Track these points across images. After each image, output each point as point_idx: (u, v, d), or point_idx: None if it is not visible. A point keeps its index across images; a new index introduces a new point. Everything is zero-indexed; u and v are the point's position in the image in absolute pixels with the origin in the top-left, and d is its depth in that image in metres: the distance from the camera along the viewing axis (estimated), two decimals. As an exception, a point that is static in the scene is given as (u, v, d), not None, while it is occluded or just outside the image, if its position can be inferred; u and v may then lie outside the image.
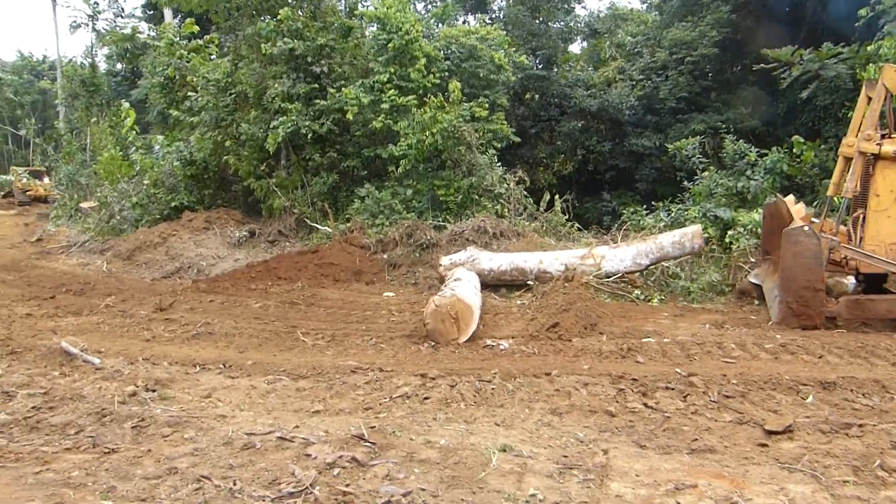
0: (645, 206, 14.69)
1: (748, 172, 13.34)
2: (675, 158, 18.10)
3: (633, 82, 19.83)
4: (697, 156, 14.63)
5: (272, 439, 4.04)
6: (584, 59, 21.77)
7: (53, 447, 4.01)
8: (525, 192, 14.81)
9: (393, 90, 14.56)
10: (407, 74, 14.77)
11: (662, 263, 10.59)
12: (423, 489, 3.26)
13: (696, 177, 14.51)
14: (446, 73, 15.44)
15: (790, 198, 9.46)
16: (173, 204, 17.34)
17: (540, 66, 18.44)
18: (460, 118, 14.03)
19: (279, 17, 14.93)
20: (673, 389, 5.00)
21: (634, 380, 5.19)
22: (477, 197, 14.19)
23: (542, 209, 14.71)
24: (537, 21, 20.13)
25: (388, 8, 14.64)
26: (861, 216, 8.02)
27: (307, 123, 14.79)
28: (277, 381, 5.65)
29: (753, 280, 9.63)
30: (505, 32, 16.87)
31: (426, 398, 4.92)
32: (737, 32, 18.31)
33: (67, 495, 3.28)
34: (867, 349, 6.35)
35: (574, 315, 7.92)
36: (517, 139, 16.60)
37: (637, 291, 10.14)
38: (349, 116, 14.41)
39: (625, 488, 3.33)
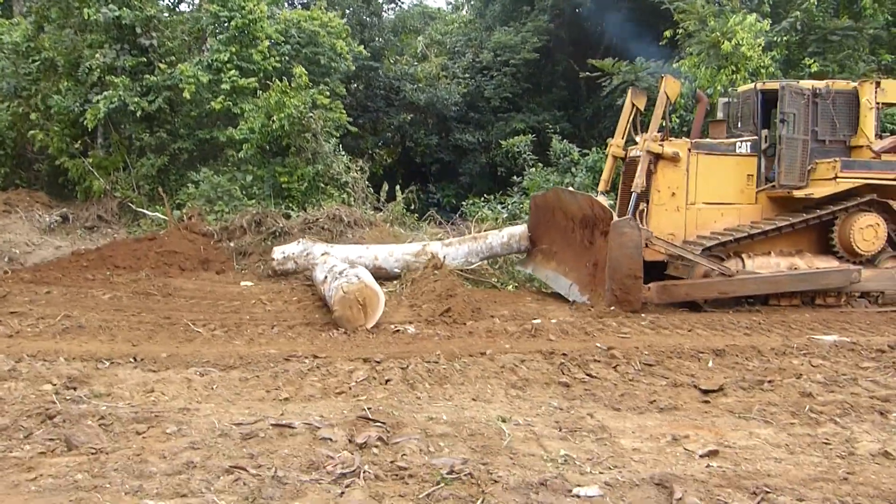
0: (480, 199, 15.58)
1: (573, 169, 14.80)
2: (497, 154, 19.47)
3: (458, 80, 20.80)
4: (527, 153, 15.87)
5: (267, 427, 3.96)
6: (408, 53, 22.31)
7: (21, 452, 3.58)
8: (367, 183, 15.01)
9: (234, 70, 13.91)
10: (248, 55, 14.19)
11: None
12: (467, 459, 3.48)
13: (525, 172, 15.76)
14: (286, 58, 15.06)
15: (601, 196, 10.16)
16: (-42, 183, 14.93)
17: (369, 58, 18.62)
18: (306, 104, 13.82)
19: (103, -20, 13.52)
20: (600, 362, 5.65)
21: (564, 354, 5.76)
22: (323, 185, 14.09)
23: (382, 199, 15.02)
24: (369, 11, 20.27)
25: (228, -17, 13.94)
26: (644, 210, 8.99)
27: (136, 100, 13.59)
28: (207, 372, 5.39)
29: (521, 268, 10.71)
30: (344, 21, 16.83)
31: (388, 380, 5.05)
32: (552, 41, 20.04)
33: (96, 499, 3.01)
34: (718, 323, 7.60)
35: (462, 300, 8.35)
36: (354, 129, 16.69)
37: (494, 279, 10.87)
38: (186, 95, 13.53)
39: (634, 443, 3.82)
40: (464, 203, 15.08)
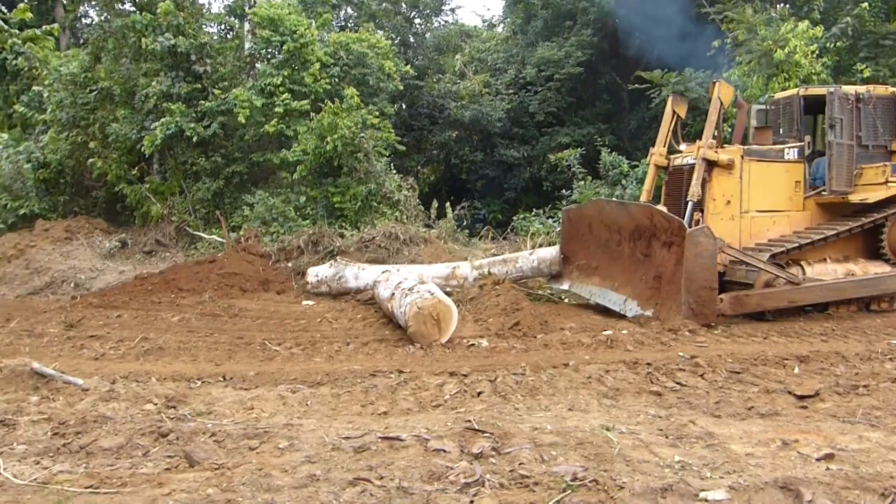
0: (530, 213, 15.61)
1: (622, 181, 14.75)
2: (542, 169, 19.49)
3: (502, 96, 20.93)
4: (577, 165, 15.86)
5: (376, 440, 4.00)
6: (449, 72, 22.55)
7: (146, 469, 3.68)
8: (418, 200, 15.15)
9: (286, 94, 14.21)
10: (300, 79, 14.49)
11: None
12: (585, 467, 3.47)
13: (574, 186, 15.75)
14: (336, 79, 15.34)
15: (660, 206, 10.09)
16: (21, 212, 15.43)
17: (414, 77, 18.88)
18: (358, 125, 14.04)
19: (158, 10, 13.96)
20: (685, 370, 5.60)
21: (648, 364, 5.73)
22: (376, 204, 14.26)
23: (433, 217, 15.14)
24: (412, 31, 20.58)
25: (280, 9, 14.27)
26: (699, 219, 8.84)
27: (192, 125, 13.96)
28: (297, 389, 5.48)
29: (556, 285, 10.23)
30: (390, 42, 17.11)
31: (480, 393, 5.08)
32: (594, 54, 20.09)
33: (236, 512, 3.08)
34: (791, 331, 7.49)
35: (529, 314, 8.36)
36: (402, 148, 16.89)
37: (547, 292, 10.82)
38: (241, 119, 13.85)
39: (745, 448, 3.77)
40: (514, 218, 15.12)
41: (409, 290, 7.96)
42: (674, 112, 9.91)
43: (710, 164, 8.77)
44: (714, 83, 9.26)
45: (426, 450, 3.84)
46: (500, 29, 32.26)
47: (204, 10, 15.15)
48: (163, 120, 13.89)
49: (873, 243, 9.17)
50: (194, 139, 14.11)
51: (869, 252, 9.22)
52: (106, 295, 11.20)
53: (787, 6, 15.14)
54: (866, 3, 13.68)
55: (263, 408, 4.94)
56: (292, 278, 12.28)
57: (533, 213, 15.46)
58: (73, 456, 3.97)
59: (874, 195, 8.91)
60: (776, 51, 12.58)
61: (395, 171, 14.97)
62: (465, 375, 5.56)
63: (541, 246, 12.67)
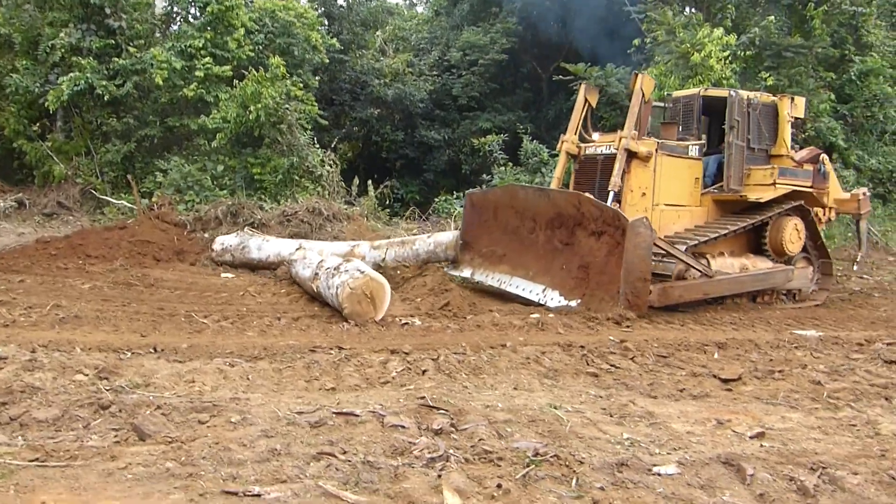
0: (452, 195, 15.77)
1: (542, 169, 15.13)
2: (462, 152, 19.68)
3: (425, 77, 20.88)
4: (498, 151, 16.12)
5: (330, 416, 4.00)
6: (371, 48, 22.21)
7: (94, 441, 3.53)
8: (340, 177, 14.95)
9: (208, 57, 13.61)
10: (223, 43, 13.91)
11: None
12: (544, 443, 3.62)
13: (494, 171, 16.01)
14: (259, 47, 14.83)
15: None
16: None
17: (339, 51, 18.49)
18: (282, 95, 13.67)
19: (70, -44, 13.00)
20: (616, 354, 5.89)
21: (582, 347, 5.97)
22: (297, 178, 13.97)
23: (354, 194, 15.01)
24: (339, 4, 20.14)
25: (204, -32, 13.62)
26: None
27: (103, 83, 13.12)
28: (236, 363, 5.35)
29: (454, 272, 9.68)
30: (316, 13, 16.67)
31: (425, 371, 5.14)
32: (518, 42, 20.38)
33: (200, 485, 3.02)
34: (704, 319, 8.00)
35: (458, 295, 8.51)
36: (325, 122, 16.57)
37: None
38: (158, 80, 13.16)
39: (685, 427, 4.05)
40: (436, 200, 15.21)
41: (335, 269, 7.79)
42: (586, 100, 9.86)
43: (630, 156, 8.82)
44: (636, 74, 9.23)
45: (383, 425, 3.88)
46: (420, 9, 32.16)
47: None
48: (71, 75, 12.97)
49: (756, 240, 9.71)
50: (105, 98, 13.28)
51: (752, 248, 9.74)
52: (3, 257, 10.46)
53: (701, 13, 15.94)
54: (772, 17, 14.60)
55: (204, 381, 4.80)
56: (208, 249, 11.90)
57: (455, 196, 15.60)
58: (5, 428, 3.74)
59: (765, 195, 9.44)
60: (693, 54, 13.23)
61: (317, 146, 14.69)
62: (406, 353, 5.61)
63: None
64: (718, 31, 13.67)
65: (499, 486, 3.08)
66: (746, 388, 5.02)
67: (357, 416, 4.02)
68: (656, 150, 9.05)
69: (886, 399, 4.87)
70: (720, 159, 9.83)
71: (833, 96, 16.89)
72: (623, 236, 7.40)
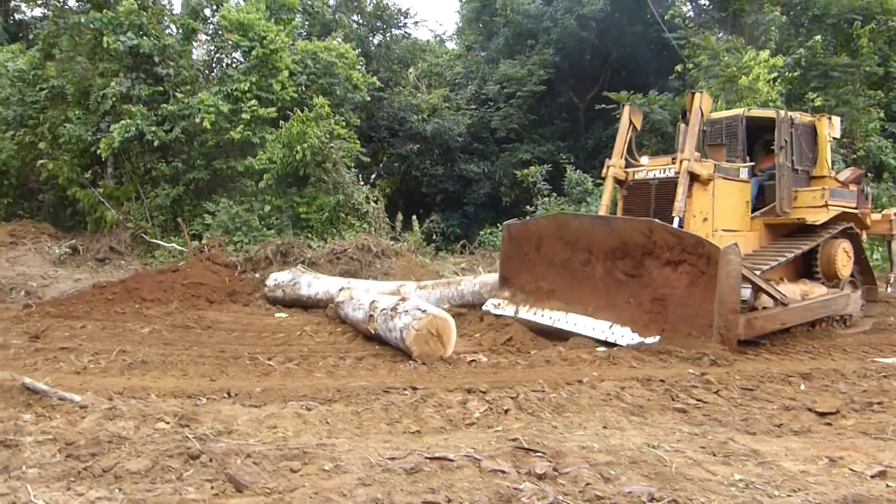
0: (496, 227, 15.62)
1: (587, 199, 14.98)
2: (501, 184, 19.66)
3: (462, 111, 21.02)
4: (541, 182, 16.04)
5: (423, 461, 3.87)
6: (402, 84, 22.45)
7: (192, 494, 3.44)
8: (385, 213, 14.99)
9: (253, 100, 13.85)
10: (268, 85, 14.15)
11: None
12: (652, 490, 3.44)
13: (539, 202, 15.90)
14: (303, 88, 15.06)
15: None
16: (-39, 215, 14.50)
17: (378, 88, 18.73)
18: (326, 135, 13.82)
19: (121, 8, 13.38)
20: (699, 388, 5.66)
21: (661, 381, 5.76)
22: (343, 215, 14.03)
23: (398, 229, 15.01)
24: (376, 43, 20.47)
25: (249, 13, 13.91)
26: None
27: (153, 129, 13.41)
28: (311, 406, 5.26)
29: (498, 312, 9.01)
30: (357, 52, 16.94)
31: (506, 409, 4.99)
32: (555, 73, 20.45)
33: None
34: (777, 349, 7.70)
35: (519, 330, 8.35)
36: (367, 159, 16.71)
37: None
38: (206, 124, 13.39)
39: (796, 465, 3.82)
40: (481, 233, 15.15)
41: (392, 310, 7.69)
42: (630, 122, 9.46)
43: (692, 179, 8.42)
44: (692, 93, 8.86)
45: (481, 470, 3.72)
46: (451, 45, 32.54)
47: (166, 11, 14.61)
48: (122, 122, 13.29)
49: (806, 264, 9.30)
50: (155, 143, 13.55)
51: (803, 273, 9.31)
52: (62, 304, 10.63)
53: (742, 37, 15.83)
54: (819, 37, 14.42)
55: (286, 426, 4.71)
56: (260, 289, 11.96)
57: (500, 228, 15.47)
58: (99, 480, 3.67)
59: (819, 217, 9.09)
60: (741, 77, 13.08)
61: (362, 183, 14.78)
62: (483, 392, 5.46)
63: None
64: (764, 54, 13.52)
65: (622, 535, 2.91)
66: (847, 422, 4.76)
67: (452, 460, 3.87)
68: (714, 173, 8.67)
69: None
70: (760, 181, 9.54)
71: (883, 114, 16.54)
72: (708, 264, 6.93)
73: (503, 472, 3.68)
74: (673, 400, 5.33)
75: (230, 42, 14.01)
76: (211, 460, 3.89)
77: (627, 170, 9.30)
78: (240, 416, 4.99)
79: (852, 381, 6.03)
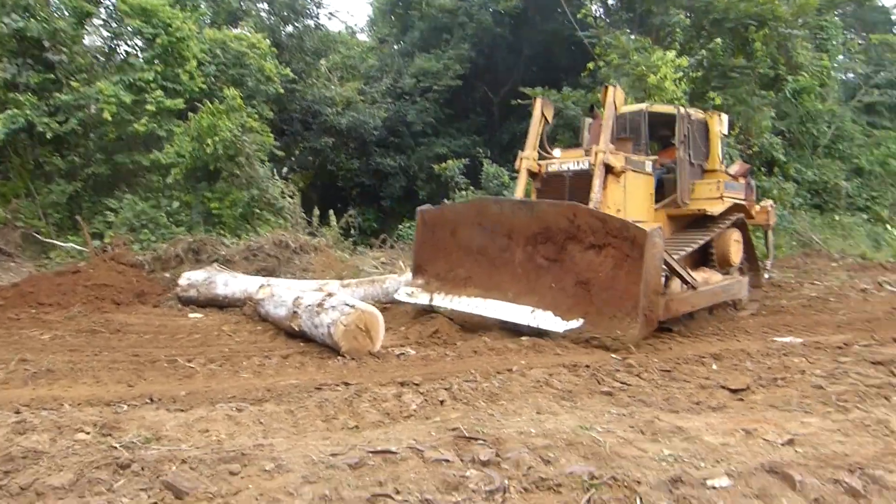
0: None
1: (504, 192, 15.22)
2: (418, 178, 19.70)
3: (378, 105, 20.85)
4: (459, 176, 16.16)
5: (366, 455, 3.82)
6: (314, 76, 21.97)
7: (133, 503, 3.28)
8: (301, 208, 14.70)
9: (159, 91, 13.20)
10: (174, 76, 13.51)
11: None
12: (591, 469, 3.54)
13: (455, 196, 16.03)
14: (212, 79, 14.50)
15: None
16: None
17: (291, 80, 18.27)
18: (239, 128, 13.38)
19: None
20: (621, 371, 5.89)
21: (587, 367, 5.95)
22: (258, 211, 13.64)
23: (315, 224, 14.76)
24: (288, 33, 19.94)
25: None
26: None
27: (44, 120, 12.53)
28: (243, 408, 5.08)
29: (412, 300, 8.92)
30: (270, 43, 16.45)
31: (442, 400, 5.00)
32: (470, 68, 20.62)
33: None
34: (686, 333, 8.10)
35: (445, 322, 8.38)
36: (281, 153, 16.30)
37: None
38: (107, 116, 12.65)
39: (717, 439, 4.03)
40: (399, 227, 15.12)
41: (318, 306, 7.55)
42: (542, 115, 9.59)
43: (606, 171, 8.52)
44: (607, 87, 9.02)
45: (426, 461, 3.73)
46: (363, 37, 32.22)
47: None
48: (8, 112, 12.33)
49: (704, 253, 9.74)
50: (48, 135, 12.67)
51: (700, 261, 9.73)
52: (-53, 310, 9.84)
53: (650, 38, 16.52)
54: (719, 39, 15.24)
55: (218, 430, 4.53)
56: (171, 289, 11.46)
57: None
58: (18, 498, 3.43)
59: (717, 208, 9.60)
60: (649, 76, 13.64)
61: (277, 177, 14.41)
62: (417, 384, 5.45)
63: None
64: (671, 54, 14.16)
65: (572, 514, 2.99)
66: (757, 397, 5.07)
67: (395, 453, 3.85)
68: (625, 165, 8.86)
69: (886, 398, 4.99)
70: (660, 174, 9.85)
71: (773, 113, 17.70)
72: (633, 248, 6.94)
73: (447, 461, 3.70)
74: (599, 384, 5.51)
75: (130, 28, 13.27)
76: (143, 469, 3.71)
77: (540, 162, 9.37)
78: (167, 421, 4.78)
79: (757, 359, 6.43)
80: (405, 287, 9.32)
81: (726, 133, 10.87)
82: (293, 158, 20.75)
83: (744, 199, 10.19)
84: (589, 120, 10.33)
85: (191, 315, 10.17)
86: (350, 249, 14.01)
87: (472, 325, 8.19)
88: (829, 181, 20.22)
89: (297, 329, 7.91)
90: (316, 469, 3.66)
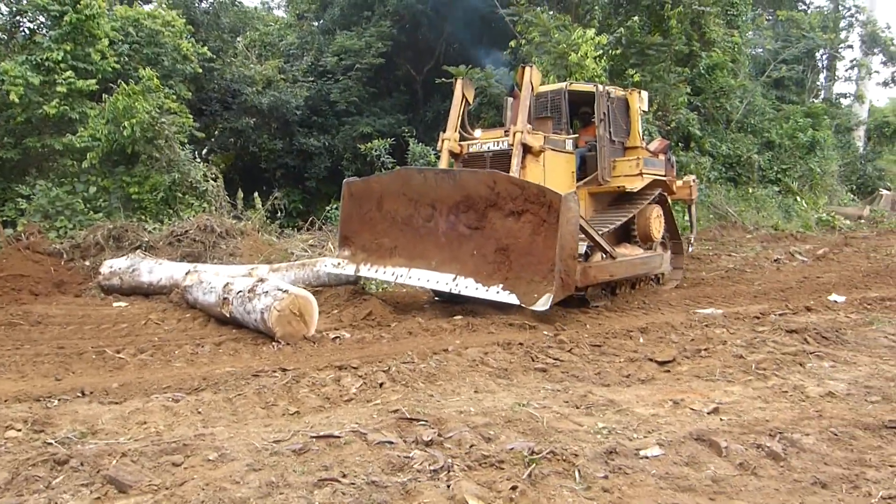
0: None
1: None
2: (343, 158, 19.52)
3: (300, 83, 20.44)
4: (385, 155, 16.12)
5: (309, 440, 3.91)
6: (231, 54, 21.29)
7: (75, 501, 3.25)
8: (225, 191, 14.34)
9: (69, 71, 12.57)
10: (85, 55, 12.88)
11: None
12: (531, 445, 3.74)
13: (381, 175, 15.95)
14: (126, 58, 13.89)
15: None
16: None
17: (209, 59, 17.66)
18: (157, 109, 12.91)
19: None
20: (553, 348, 6.14)
21: (521, 344, 6.17)
22: (181, 195, 13.25)
23: (240, 207, 14.48)
24: (203, 10, 19.21)
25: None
26: None
27: (-55, 103, 11.79)
28: (178, 398, 5.05)
29: (342, 272, 9.16)
30: (186, 21, 15.82)
31: (381, 383, 5.10)
32: (393, 45, 20.46)
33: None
34: (612, 308, 8.50)
35: (378, 304, 8.47)
36: (201, 134, 15.82)
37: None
38: (14, 98, 11.98)
39: (647, 410, 4.31)
40: (327, 208, 14.98)
41: (249, 292, 7.49)
42: (463, 96, 9.69)
43: (525, 151, 8.68)
44: (523, 67, 9.12)
45: (369, 444, 3.84)
46: (280, 13, 31.39)
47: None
48: None
49: (626, 229, 10.06)
50: (-50, 119, 11.95)
51: (622, 238, 10.05)
52: None
53: (569, 15, 16.83)
54: (636, 17, 15.68)
55: (155, 421, 4.51)
56: (92, 277, 11.06)
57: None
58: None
59: (636, 185, 9.87)
60: (570, 54, 13.92)
61: (199, 160, 14.01)
62: (355, 368, 5.54)
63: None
64: (591, 32, 14.49)
65: (513, 487, 3.16)
66: (682, 368, 5.41)
67: (338, 437, 3.95)
68: (544, 144, 9.01)
69: (801, 365, 5.44)
70: (582, 152, 10.04)
71: (689, 89, 18.39)
72: (549, 213, 7.10)
73: (391, 442, 3.82)
74: (533, 361, 5.74)
75: (35, 5, 12.52)
76: (82, 464, 3.69)
77: (462, 143, 9.50)
78: (101, 414, 4.71)
79: (681, 331, 6.83)
80: (331, 258, 9.57)
81: (646, 110, 11.23)
82: (213, 140, 20.16)
83: (664, 176, 10.51)
84: (511, 100, 10.45)
85: (115, 304, 9.87)
86: (277, 232, 13.81)
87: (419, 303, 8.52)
88: (742, 155, 21.20)
89: (228, 315, 7.83)
90: (260, 456, 3.72)
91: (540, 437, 3.86)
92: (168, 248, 11.61)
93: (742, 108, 22.69)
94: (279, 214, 14.47)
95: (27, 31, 14.68)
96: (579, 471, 3.37)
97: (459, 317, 7.93)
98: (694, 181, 12.14)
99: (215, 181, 13.83)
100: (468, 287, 7.67)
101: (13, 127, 12.95)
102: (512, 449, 3.62)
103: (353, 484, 3.31)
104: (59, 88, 12.35)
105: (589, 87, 10.19)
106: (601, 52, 14.75)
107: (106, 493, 3.33)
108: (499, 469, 3.42)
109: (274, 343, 6.82)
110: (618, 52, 16.18)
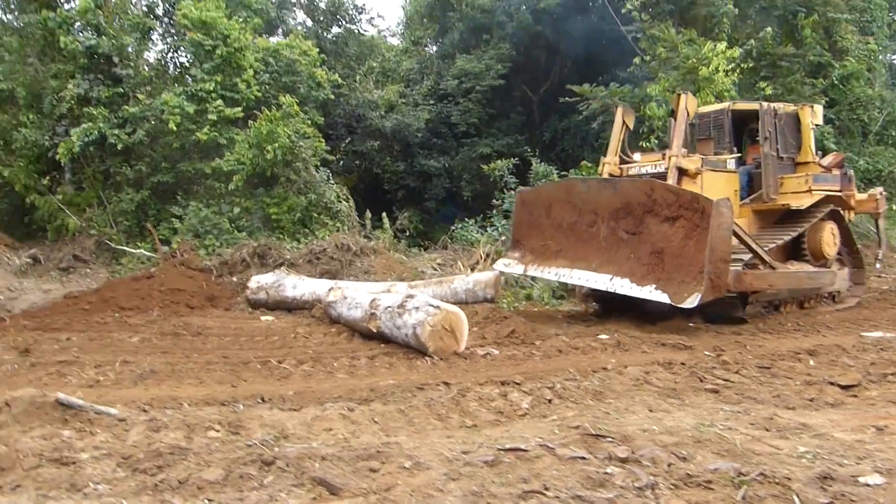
0: (467, 221, 15.73)
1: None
2: (461, 179, 19.80)
3: (421, 107, 21.03)
4: (508, 175, 16.24)
5: (498, 453, 3.94)
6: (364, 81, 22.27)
7: (292, 499, 3.43)
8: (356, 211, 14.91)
9: (219, 100, 13.52)
10: (233, 85, 13.82)
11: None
12: (735, 466, 3.60)
13: (504, 195, 16.06)
14: (266, 87, 14.79)
15: None
16: None
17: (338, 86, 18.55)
18: (296, 134, 13.64)
19: (76, 8, 12.86)
20: (718, 368, 5.93)
21: (683, 364, 6.00)
22: (316, 215, 13.88)
23: (369, 227, 14.96)
24: (331, 39, 20.23)
25: (210, 12, 13.54)
26: None
27: (115, 132, 12.94)
28: (352, 407, 5.25)
29: (509, 270, 10.01)
30: (318, 50, 16.72)
31: (549, 399, 5.11)
32: (511, 67, 20.70)
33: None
34: (770, 328, 8.11)
35: (519, 322, 8.50)
36: (332, 157, 16.55)
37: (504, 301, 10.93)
38: (172, 126, 13.00)
39: (848, 436, 4.06)
40: (452, 228, 15.22)
41: (399, 308, 7.69)
42: (623, 122, 10.07)
43: (680, 173, 8.93)
44: (679, 94, 9.45)
45: (559, 458, 3.82)
46: (394, 40, 32.43)
47: (124, 8, 14.06)
48: (83, 126, 12.77)
49: (795, 247, 9.79)
50: (118, 146, 13.08)
51: (791, 255, 9.80)
52: (37, 316, 10.33)
53: (694, 29, 16.39)
54: (769, 28, 15.07)
55: (338, 428, 4.71)
56: (240, 293, 11.74)
57: (473, 222, 15.60)
58: (180, 492, 3.61)
59: (804, 202, 9.63)
60: (701, 69, 13.56)
61: (333, 182, 14.65)
62: (518, 384, 5.56)
63: (488, 256, 12.87)
64: (722, 45, 14.07)
65: (732, 510, 3.06)
66: (871, 393, 5.07)
67: (526, 451, 3.95)
68: (701, 167, 9.20)
69: None
70: (748, 171, 10.02)
71: (825, 101, 17.41)
72: (702, 218, 7.39)
73: (583, 458, 3.79)
74: (701, 381, 5.55)
75: (188, 41, 13.60)
76: (287, 465, 3.87)
77: (622, 166, 9.86)
78: (285, 420, 4.95)
79: (854, 354, 6.41)
80: (503, 259, 10.35)
81: (819, 124, 10.94)
82: (340, 163, 21.01)
83: (839, 191, 10.09)
84: (673, 121, 10.52)
85: (262, 318, 10.41)
86: (405, 251, 14.17)
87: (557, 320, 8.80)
88: (883, 169, 19.77)
89: (374, 330, 8.06)
90: (454, 466, 3.78)
91: (739, 459, 3.70)
92: (307, 265, 12.17)
93: (881, 119, 21.22)
94: (406, 233, 14.82)
95: (178, 65, 15.93)
96: (798, 495, 3.20)
97: (604, 336, 7.84)
98: (881, 193, 11.48)
99: (348, 202, 14.38)
100: (623, 286, 8.14)
101: (170, 153, 14.05)
102: (716, 469, 3.50)
103: (557, 497, 3.30)
104: (210, 116, 13.31)
105: (753, 106, 10.12)
106: (732, 65, 14.23)
107: (319, 494, 3.49)
108: (707, 489, 3.31)
109: (427, 357, 6.96)
110: (748, 65, 15.57)
